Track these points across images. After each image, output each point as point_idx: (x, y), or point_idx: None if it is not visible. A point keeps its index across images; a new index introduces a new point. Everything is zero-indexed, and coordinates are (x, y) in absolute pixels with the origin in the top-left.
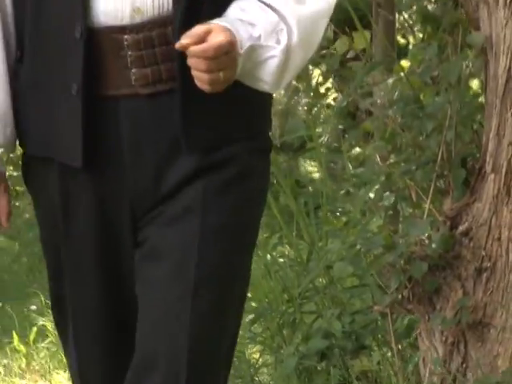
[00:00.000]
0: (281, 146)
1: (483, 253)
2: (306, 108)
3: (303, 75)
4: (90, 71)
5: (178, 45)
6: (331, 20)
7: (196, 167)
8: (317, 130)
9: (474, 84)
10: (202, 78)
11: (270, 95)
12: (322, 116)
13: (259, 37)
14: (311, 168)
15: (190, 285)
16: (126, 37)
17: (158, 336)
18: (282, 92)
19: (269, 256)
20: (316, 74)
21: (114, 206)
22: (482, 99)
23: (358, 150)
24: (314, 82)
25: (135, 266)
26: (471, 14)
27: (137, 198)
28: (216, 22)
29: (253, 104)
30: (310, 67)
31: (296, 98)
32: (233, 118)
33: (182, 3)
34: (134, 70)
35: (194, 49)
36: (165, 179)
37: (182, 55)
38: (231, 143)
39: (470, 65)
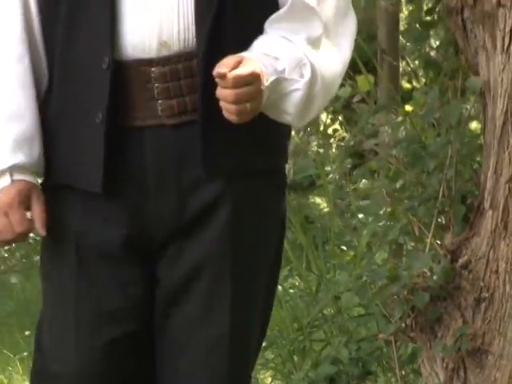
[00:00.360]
0: (291, 185)
1: (482, 284)
2: (315, 148)
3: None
4: (115, 101)
5: (214, 73)
6: None
7: (217, 198)
8: (325, 168)
9: (474, 125)
10: (229, 109)
11: (288, 132)
12: (330, 156)
13: (283, 70)
14: (320, 204)
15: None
16: (152, 69)
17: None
18: (293, 133)
19: (280, 287)
20: (324, 117)
21: (132, 233)
22: (480, 140)
23: (363, 186)
24: (322, 123)
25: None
26: (471, 59)
27: (156, 225)
28: (244, 53)
29: (273, 138)
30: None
31: (306, 138)
32: (254, 150)
33: (205, 38)
34: (160, 102)
35: (227, 78)
36: (186, 207)
37: (204, 86)
38: (252, 176)
39: (470, 107)
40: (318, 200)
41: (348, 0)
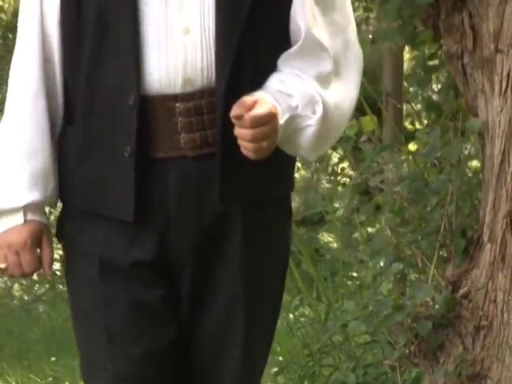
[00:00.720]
0: (302, 220)
1: (481, 313)
2: (324, 185)
3: (322, 156)
4: (142, 135)
5: (232, 114)
6: None
7: (232, 226)
8: (334, 205)
9: (473, 164)
10: (247, 147)
11: (294, 166)
12: (338, 192)
13: (297, 106)
14: (329, 238)
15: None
16: (177, 105)
17: None
18: (303, 171)
19: (291, 316)
20: (333, 156)
21: (155, 256)
22: (479, 177)
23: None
24: (331, 162)
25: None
26: (470, 102)
27: (177, 249)
28: (259, 93)
29: (283, 171)
30: (329, 150)
31: (315, 176)
32: (266, 182)
33: (224, 76)
34: (183, 135)
35: (243, 119)
36: (204, 233)
37: (224, 122)
38: (265, 206)
39: (469, 147)
40: (327, 234)
41: (355, 37)
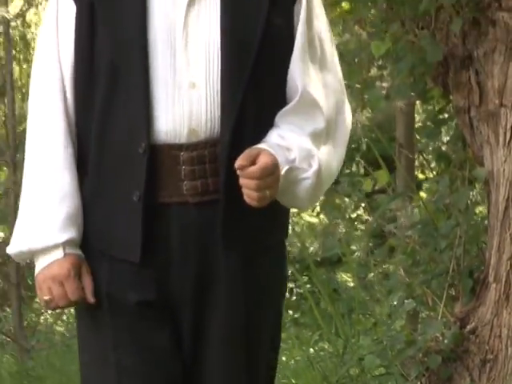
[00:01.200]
0: (321, 261)
1: (487, 347)
2: (341, 230)
3: (339, 203)
4: (149, 181)
5: (236, 165)
6: (362, 158)
7: (233, 268)
8: (350, 247)
9: (479, 210)
10: (251, 196)
11: (288, 215)
12: (354, 236)
13: (294, 159)
14: (346, 278)
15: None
16: (182, 154)
17: None
18: (322, 216)
19: (311, 350)
20: (349, 203)
21: (158, 295)
22: (485, 222)
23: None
24: (348, 209)
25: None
26: (477, 152)
27: (178, 289)
28: (261, 146)
29: (279, 217)
30: (346, 199)
31: (333, 221)
32: (264, 227)
33: (229, 128)
34: (186, 182)
35: (249, 170)
36: (204, 275)
37: (227, 172)
38: (263, 249)
39: (476, 194)
40: (344, 274)
41: (345, 97)
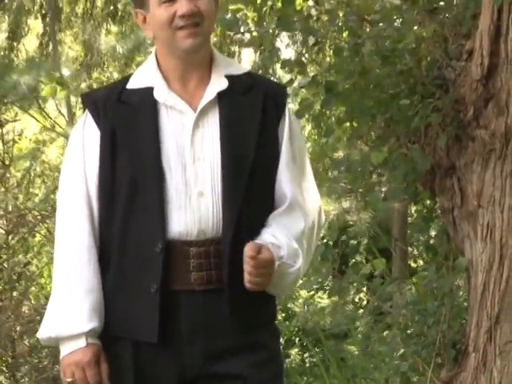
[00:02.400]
0: (331, 334)
1: None
2: (347, 308)
3: (343, 293)
4: (164, 274)
5: (249, 255)
6: (365, 250)
7: (237, 345)
8: (355, 323)
9: (461, 293)
10: (251, 281)
11: (275, 300)
12: (357, 314)
13: (283, 256)
14: (351, 349)
15: None
16: (192, 249)
17: None
18: (334, 298)
19: None
20: (353, 288)
21: (173, 369)
22: (466, 303)
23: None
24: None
25: None
26: (459, 245)
27: (189, 365)
28: (261, 242)
29: (270, 300)
30: (351, 290)
31: (340, 302)
32: (259, 308)
33: (230, 229)
34: (193, 273)
35: (257, 260)
36: (211, 352)
37: (230, 264)
38: (260, 326)
39: (458, 280)
40: (349, 346)
41: (320, 201)
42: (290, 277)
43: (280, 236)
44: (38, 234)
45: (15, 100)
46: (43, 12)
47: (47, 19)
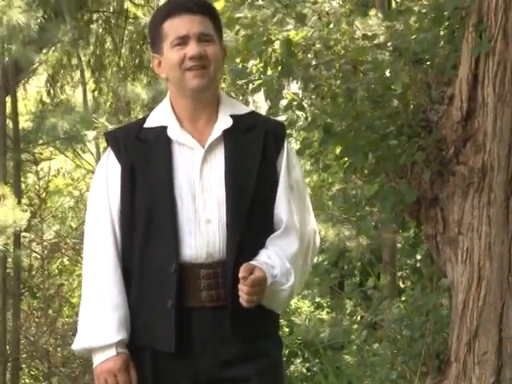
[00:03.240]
0: (329, 346)
1: None
2: (344, 323)
3: (339, 307)
4: (178, 292)
5: (240, 275)
6: (359, 272)
7: (242, 354)
8: (351, 336)
9: (444, 310)
10: (245, 298)
11: (276, 315)
12: (353, 328)
13: (276, 275)
14: (347, 359)
15: None
16: (202, 271)
17: None
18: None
19: None
20: (349, 304)
21: (186, 376)
22: (448, 319)
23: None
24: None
25: None
26: (441, 267)
27: (200, 371)
28: (255, 263)
29: (270, 314)
30: (347, 305)
31: (338, 317)
32: (262, 322)
33: (233, 253)
34: (203, 292)
35: (248, 280)
36: (220, 360)
37: (233, 284)
38: (262, 336)
39: (441, 298)
40: (345, 356)
41: (316, 226)
42: (283, 293)
43: (274, 257)
44: (69, 259)
45: (51, 140)
46: (80, 63)
47: (83, 69)
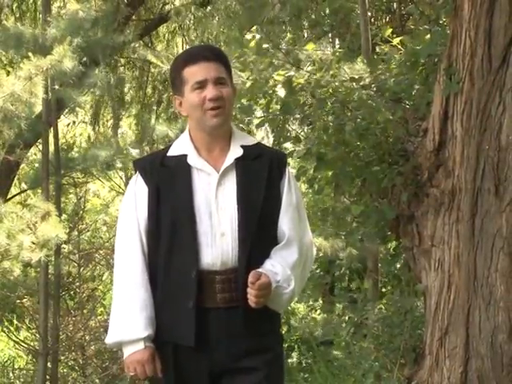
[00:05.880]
0: (321, 342)
1: None
2: (334, 320)
3: (330, 308)
4: (198, 295)
5: (249, 281)
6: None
7: (251, 347)
8: (340, 333)
9: (419, 310)
10: (254, 301)
11: (279, 315)
12: (342, 326)
13: (279, 280)
14: (337, 353)
15: None
16: (217, 276)
17: None
18: (325, 315)
19: None
20: (339, 307)
21: (206, 368)
22: (423, 318)
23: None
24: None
25: None
26: (417, 274)
27: (217, 364)
28: (261, 270)
29: (275, 314)
30: (337, 307)
31: (329, 316)
32: (267, 320)
33: (244, 262)
34: (218, 295)
35: (255, 285)
36: (233, 354)
37: (244, 289)
38: (268, 333)
39: (417, 301)
40: (335, 350)
41: (311, 238)
42: (284, 296)
43: (277, 265)
44: (102, 267)
45: (90, 166)
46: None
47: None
